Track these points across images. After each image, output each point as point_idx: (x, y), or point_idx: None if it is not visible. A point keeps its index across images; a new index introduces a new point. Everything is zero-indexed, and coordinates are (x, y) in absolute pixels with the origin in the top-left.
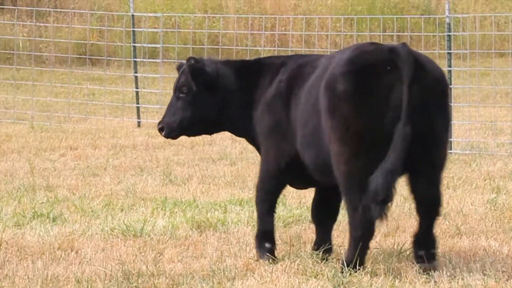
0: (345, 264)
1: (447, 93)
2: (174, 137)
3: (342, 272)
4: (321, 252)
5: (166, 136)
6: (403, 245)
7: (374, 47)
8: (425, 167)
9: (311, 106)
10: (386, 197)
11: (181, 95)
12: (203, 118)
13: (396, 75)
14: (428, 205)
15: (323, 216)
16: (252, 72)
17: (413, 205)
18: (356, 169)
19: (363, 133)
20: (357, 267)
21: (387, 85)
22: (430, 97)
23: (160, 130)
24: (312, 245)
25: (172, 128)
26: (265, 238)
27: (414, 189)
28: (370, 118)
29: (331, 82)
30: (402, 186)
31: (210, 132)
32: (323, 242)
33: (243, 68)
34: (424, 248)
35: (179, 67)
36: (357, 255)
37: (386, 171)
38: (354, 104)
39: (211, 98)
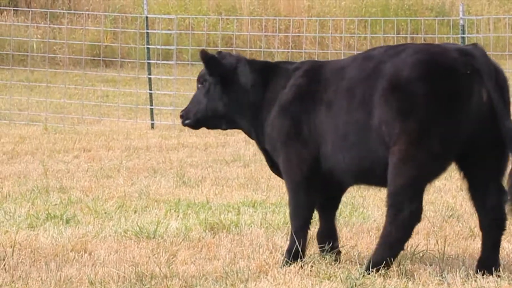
0: (371, 265)
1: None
2: (191, 126)
3: (367, 271)
4: (328, 245)
5: (183, 124)
6: (416, 247)
7: (442, 48)
8: (493, 172)
9: (353, 109)
10: None
11: (199, 85)
12: (214, 110)
13: (474, 77)
14: (496, 216)
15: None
16: (267, 74)
17: (426, 207)
18: (425, 173)
19: (441, 137)
20: (382, 269)
21: (466, 88)
22: (504, 96)
23: (181, 117)
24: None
25: (188, 117)
26: (293, 256)
27: (478, 199)
28: (450, 122)
29: (403, 85)
30: None
31: (223, 127)
32: (328, 232)
33: (261, 69)
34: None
35: (202, 56)
36: (389, 256)
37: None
38: (434, 107)
39: (225, 92)
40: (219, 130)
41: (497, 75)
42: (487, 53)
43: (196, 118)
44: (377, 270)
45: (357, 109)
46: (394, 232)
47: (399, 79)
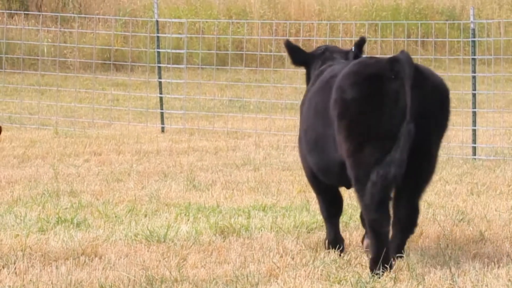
0: (373, 263)
1: (447, 103)
2: None
3: (377, 273)
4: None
5: None
6: (427, 251)
7: (375, 60)
8: (412, 178)
9: (319, 118)
10: (390, 184)
11: None
12: None
13: (398, 80)
14: (404, 221)
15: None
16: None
17: (436, 211)
18: (359, 161)
19: (367, 131)
20: (385, 263)
21: (389, 91)
22: (429, 104)
23: None
24: None
25: None
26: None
27: (395, 201)
28: (373, 119)
29: (340, 93)
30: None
31: None
32: None
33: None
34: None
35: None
36: (378, 243)
37: (392, 162)
38: (359, 108)
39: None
40: (229, 134)
41: (424, 81)
42: (497, 57)
43: None
44: (382, 265)
45: (321, 117)
46: (369, 216)
47: (338, 89)
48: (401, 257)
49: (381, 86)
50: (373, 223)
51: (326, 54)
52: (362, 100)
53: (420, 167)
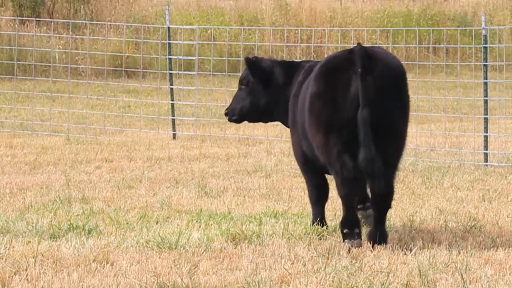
0: (341, 225)
1: (403, 79)
2: (236, 121)
3: (348, 238)
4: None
5: (229, 120)
6: (439, 257)
7: (340, 53)
8: (381, 155)
9: (301, 108)
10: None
11: (242, 86)
12: (257, 106)
13: (350, 71)
14: (378, 196)
15: None
16: (293, 72)
17: (448, 217)
18: (326, 148)
19: (329, 121)
20: (350, 228)
21: (344, 81)
22: (383, 84)
23: (226, 115)
24: None
25: (234, 114)
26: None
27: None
28: (333, 109)
29: (308, 85)
30: (437, 198)
31: (263, 120)
32: None
33: (288, 67)
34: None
35: (246, 61)
36: (347, 210)
37: (362, 148)
38: (320, 100)
39: (265, 90)
40: (241, 140)
41: (376, 64)
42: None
43: (241, 114)
44: (342, 231)
45: (302, 108)
46: (340, 193)
47: (309, 82)
48: (384, 241)
49: (335, 78)
50: (345, 198)
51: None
52: (320, 93)
53: (387, 144)
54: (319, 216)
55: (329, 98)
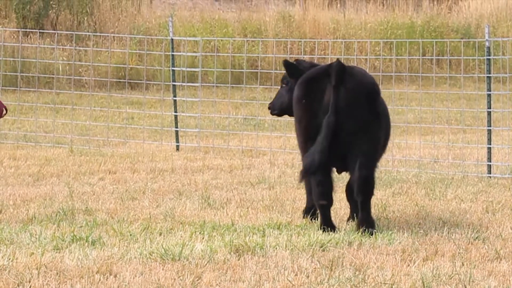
0: (320, 225)
1: (374, 95)
2: (277, 115)
3: (324, 231)
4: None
5: (271, 114)
6: (442, 269)
7: (321, 66)
8: (355, 157)
9: None
10: (316, 170)
11: (283, 85)
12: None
13: (327, 81)
14: (359, 185)
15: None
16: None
17: (451, 229)
18: (301, 148)
19: (303, 123)
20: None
21: (320, 90)
22: (354, 97)
23: (269, 108)
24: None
25: (274, 108)
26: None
27: (350, 177)
28: (308, 113)
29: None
30: (441, 210)
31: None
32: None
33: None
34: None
35: (284, 63)
36: (315, 201)
37: (316, 151)
38: (297, 103)
39: None
40: (244, 152)
41: (350, 80)
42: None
43: (281, 108)
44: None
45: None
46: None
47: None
48: (371, 232)
49: (312, 87)
50: (315, 198)
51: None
52: (299, 98)
53: (362, 144)
54: (310, 204)
55: (306, 103)
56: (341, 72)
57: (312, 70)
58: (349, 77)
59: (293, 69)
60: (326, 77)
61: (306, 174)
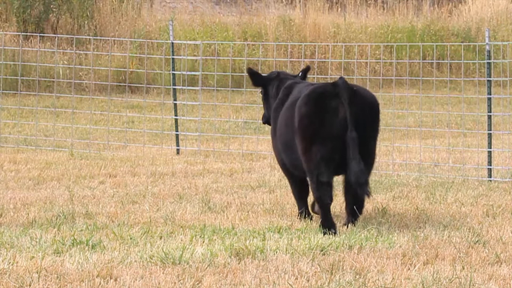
0: (322, 226)
1: (376, 112)
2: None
3: (324, 234)
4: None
5: (266, 123)
6: (443, 273)
7: (324, 84)
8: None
9: (286, 125)
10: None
11: (260, 94)
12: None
13: (336, 100)
14: (355, 184)
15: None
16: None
17: (451, 233)
18: (309, 156)
19: (314, 135)
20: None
21: (333, 107)
22: (363, 114)
23: (263, 122)
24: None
25: (266, 118)
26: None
27: (346, 181)
28: (318, 127)
29: (298, 110)
30: (441, 213)
31: None
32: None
33: (277, 81)
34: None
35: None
36: (322, 213)
37: (352, 161)
38: (308, 119)
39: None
40: (244, 156)
41: (355, 96)
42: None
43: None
44: (323, 228)
45: (290, 127)
46: (315, 195)
47: (297, 108)
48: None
49: (323, 104)
50: (318, 199)
51: (280, 76)
52: (310, 114)
53: (364, 157)
54: (303, 207)
55: (318, 120)
56: (350, 90)
57: (316, 88)
58: (356, 94)
59: (256, 77)
60: (335, 95)
61: (362, 190)
